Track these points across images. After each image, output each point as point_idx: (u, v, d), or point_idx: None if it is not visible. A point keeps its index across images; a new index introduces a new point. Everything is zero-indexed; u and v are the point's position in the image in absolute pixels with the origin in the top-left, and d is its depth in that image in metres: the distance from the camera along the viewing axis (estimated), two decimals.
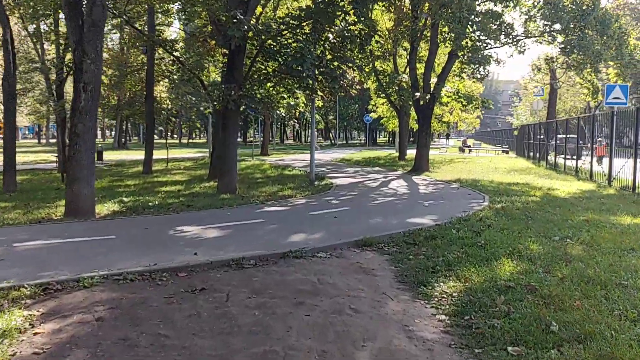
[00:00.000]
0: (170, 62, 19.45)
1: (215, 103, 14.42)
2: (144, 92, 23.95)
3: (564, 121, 26.50)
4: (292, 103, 18.53)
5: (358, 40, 14.42)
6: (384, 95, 33.59)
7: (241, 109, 14.87)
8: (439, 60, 26.61)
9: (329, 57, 14.40)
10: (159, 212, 10.93)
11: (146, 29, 21.18)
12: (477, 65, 19.67)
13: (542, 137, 34.36)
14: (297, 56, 13.13)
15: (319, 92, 15.85)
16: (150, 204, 11.95)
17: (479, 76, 20.18)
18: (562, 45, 19.34)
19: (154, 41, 18.05)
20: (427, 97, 22.25)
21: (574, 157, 26.98)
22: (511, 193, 14.40)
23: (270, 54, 13.67)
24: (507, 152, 44.78)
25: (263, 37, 13.18)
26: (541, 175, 21.57)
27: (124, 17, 17.21)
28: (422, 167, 23.06)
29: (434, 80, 23.79)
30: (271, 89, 15.54)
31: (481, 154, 44.99)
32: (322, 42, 13.99)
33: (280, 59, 13.77)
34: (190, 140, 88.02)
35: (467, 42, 20.96)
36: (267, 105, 14.03)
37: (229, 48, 13.45)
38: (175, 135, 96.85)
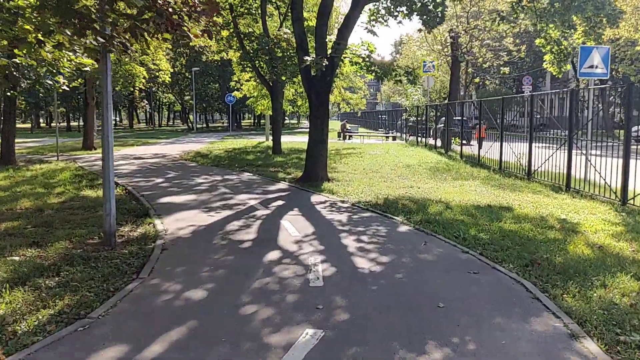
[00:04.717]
0: None
1: None
2: None
3: (490, 102, 19.80)
4: (76, 61, 8.87)
5: None
6: (250, 67, 24.70)
7: None
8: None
9: None
10: None
11: None
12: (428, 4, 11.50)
13: (436, 120, 28.22)
14: None
15: (119, 37, 6.67)
16: None
17: (430, 24, 12.12)
18: None
19: None
20: (323, 64, 13.75)
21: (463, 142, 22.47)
22: (544, 252, 6.59)
23: None
24: (394, 139, 38.32)
25: None
26: (487, 182, 14.46)
27: None
28: (317, 174, 14.64)
29: (331, 38, 15.44)
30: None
31: (366, 140, 38.00)
32: None
33: None
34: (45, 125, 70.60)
35: None
36: None
37: None
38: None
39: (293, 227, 8.65)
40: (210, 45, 30.59)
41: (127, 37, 6.64)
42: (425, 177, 15.66)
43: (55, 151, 23.45)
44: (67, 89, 9.92)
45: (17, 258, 6.95)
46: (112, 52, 7.03)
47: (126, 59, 31.65)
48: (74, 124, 75.73)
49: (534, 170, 14.96)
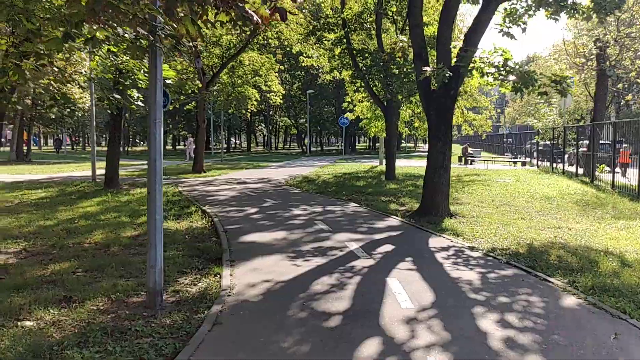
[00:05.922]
0: None
1: None
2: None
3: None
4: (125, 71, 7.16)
5: None
6: (363, 86, 22.73)
7: None
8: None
9: None
10: None
11: None
12: None
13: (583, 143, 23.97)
14: None
15: (172, 21, 4.82)
16: None
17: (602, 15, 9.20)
18: None
19: None
20: (445, 75, 11.19)
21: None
22: None
23: None
24: (524, 164, 34.21)
25: None
26: None
27: None
28: (437, 208, 11.99)
29: (455, 44, 12.86)
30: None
31: (490, 166, 34.27)
32: None
33: None
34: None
35: None
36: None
37: None
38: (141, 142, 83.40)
39: (404, 292, 6.14)
40: (324, 66, 29.21)
41: (171, 23, 4.69)
42: (574, 214, 12.45)
43: (173, 174, 22.95)
44: (142, 104, 8.35)
45: (29, 323, 5.21)
46: (158, 47, 5.12)
47: (239, 81, 31.17)
48: None
49: None
